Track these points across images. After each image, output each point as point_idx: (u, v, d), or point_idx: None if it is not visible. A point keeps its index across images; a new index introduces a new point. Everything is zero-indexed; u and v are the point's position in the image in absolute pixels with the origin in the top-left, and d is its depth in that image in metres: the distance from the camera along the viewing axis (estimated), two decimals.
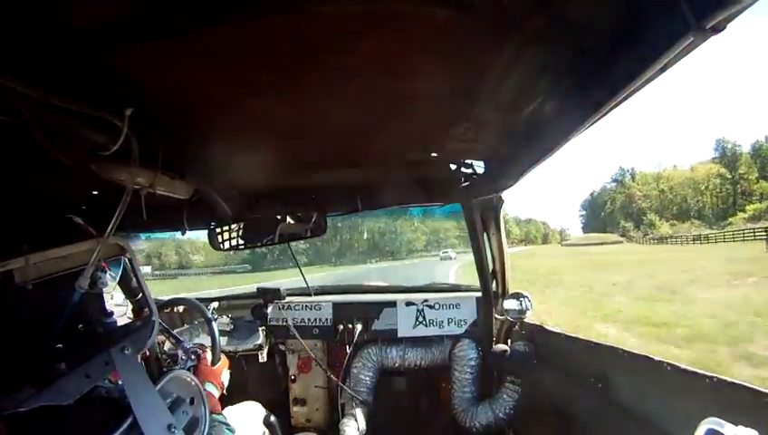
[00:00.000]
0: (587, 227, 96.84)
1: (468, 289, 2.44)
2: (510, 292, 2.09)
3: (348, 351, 2.25)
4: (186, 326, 2.11)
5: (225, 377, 1.61)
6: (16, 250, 0.82)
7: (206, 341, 1.71)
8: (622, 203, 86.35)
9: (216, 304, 2.32)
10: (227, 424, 1.31)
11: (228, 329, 2.25)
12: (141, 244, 1.80)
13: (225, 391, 1.58)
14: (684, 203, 78.41)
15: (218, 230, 1.94)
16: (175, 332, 1.88)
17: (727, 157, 75.51)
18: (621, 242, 66.75)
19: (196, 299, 2.00)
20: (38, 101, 0.76)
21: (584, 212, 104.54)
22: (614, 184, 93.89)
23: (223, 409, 1.54)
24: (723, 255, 20.89)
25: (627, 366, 1.29)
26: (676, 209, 77.74)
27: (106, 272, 1.00)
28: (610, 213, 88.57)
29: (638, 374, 1.23)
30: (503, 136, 1.30)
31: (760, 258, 17.29)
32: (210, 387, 1.47)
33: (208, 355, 1.59)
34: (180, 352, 1.52)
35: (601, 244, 61.37)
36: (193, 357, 1.55)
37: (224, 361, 1.66)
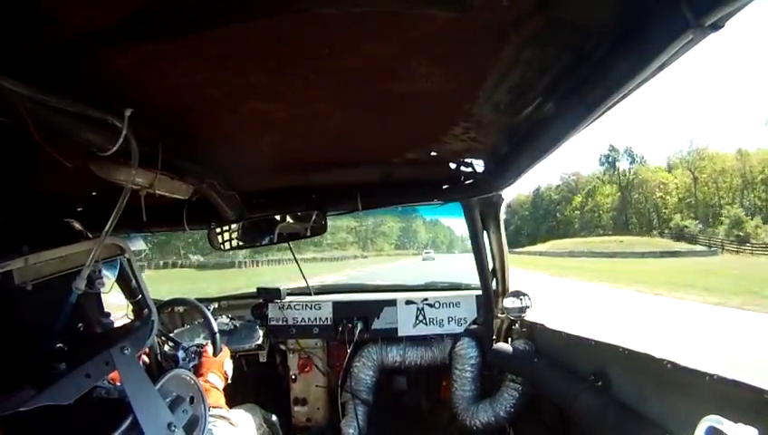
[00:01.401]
0: (519, 235, 66.04)
1: (468, 288, 2.44)
2: (510, 290, 2.10)
3: (348, 350, 2.26)
4: (186, 327, 2.11)
5: (228, 366, 1.62)
6: (16, 251, 0.82)
7: (206, 341, 1.71)
8: (619, 197, 58.17)
9: (215, 305, 2.33)
10: (229, 419, 1.31)
11: (228, 329, 2.25)
12: (141, 244, 1.80)
13: (229, 380, 1.58)
14: (738, 197, 50.28)
15: (218, 230, 1.94)
16: (175, 332, 1.89)
17: None
18: (714, 252, 37.42)
19: (196, 299, 2.01)
20: (37, 101, 0.76)
21: (505, 217, 77.11)
22: (601, 169, 62.30)
23: None
24: None
25: (627, 364, 1.30)
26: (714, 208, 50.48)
27: (102, 273, 1.01)
28: (588, 211, 61.38)
29: (639, 372, 1.23)
30: (502, 135, 1.30)
31: None
32: (214, 378, 1.47)
33: (209, 348, 1.60)
34: (181, 353, 1.53)
35: (672, 254, 34.78)
36: (193, 356, 1.56)
37: (225, 351, 1.67)
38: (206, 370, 1.49)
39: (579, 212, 63.89)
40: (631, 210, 58.67)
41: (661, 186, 56.52)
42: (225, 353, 1.65)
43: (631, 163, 61.72)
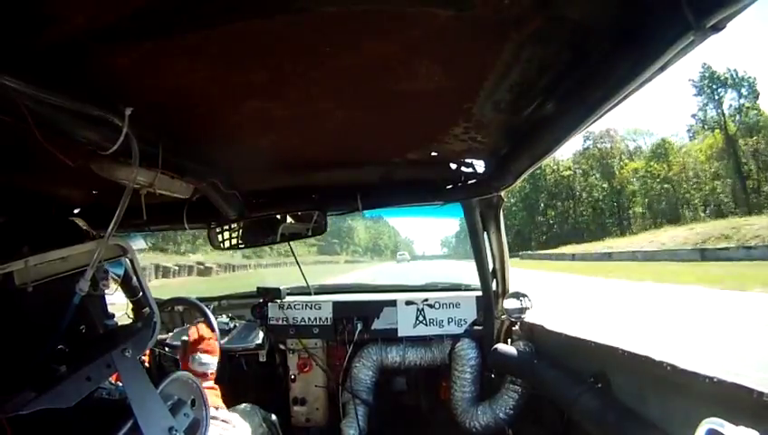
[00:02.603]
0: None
1: (468, 288, 2.44)
2: (510, 291, 2.09)
3: (348, 350, 2.25)
4: (186, 326, 2.11)
5: (215, 346, 1.61)
6: (17, 252, 0.82)
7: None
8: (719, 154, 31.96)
9: (215, 304, 2.33)
10: (224, 419, 1.30)
11: (228, 329, 2.25)
12: (142, 243, 1.80)
13: (223, 360, 1.57)
14: None
15: (218, 230, 1.94)
16: (175, 331, 1.89)
17: None
18: None
19: (196, 299, 2.01)
20: (38, 99, 0.76)
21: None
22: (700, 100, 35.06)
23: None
24: None
25: (627, 366, 1.29)
26: None
27: (108, 275, 1.00)
28: (657, 183, 35.74)
29: (638, 374, 1.23)
30: (503, 136, 1.30)
31: None
32: (207, 357, 1.46)
33: (201, 328, 1.60)
34: (180, 353, 1.53)
35: None
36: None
37: (212, 334, 1.67)
38: (192, 350, 1.48)
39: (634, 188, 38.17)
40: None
41: None
42: (212, 336, 1.65)
43: (741, 98, 32.57)
